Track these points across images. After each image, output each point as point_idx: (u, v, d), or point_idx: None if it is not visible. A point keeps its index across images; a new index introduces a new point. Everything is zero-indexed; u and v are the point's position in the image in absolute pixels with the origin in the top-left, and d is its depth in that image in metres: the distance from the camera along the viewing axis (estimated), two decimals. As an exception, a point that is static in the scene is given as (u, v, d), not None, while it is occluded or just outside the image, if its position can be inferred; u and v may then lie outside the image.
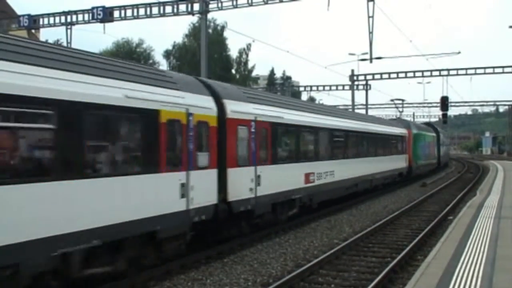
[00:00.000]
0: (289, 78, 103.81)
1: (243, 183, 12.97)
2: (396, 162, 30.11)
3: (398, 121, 38.13)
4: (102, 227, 8.43)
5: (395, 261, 11.16)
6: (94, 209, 8.37)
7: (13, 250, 6.95)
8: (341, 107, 50.18)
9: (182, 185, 10.59)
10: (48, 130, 7.71)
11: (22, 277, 7.17)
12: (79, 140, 8.24)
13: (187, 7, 27.87)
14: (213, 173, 11.76)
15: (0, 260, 6.83)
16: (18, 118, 7.43)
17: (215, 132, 11.93)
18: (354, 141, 22.80)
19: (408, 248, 12.42)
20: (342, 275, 10.65)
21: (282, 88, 69.58)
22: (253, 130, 13.47)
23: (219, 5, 27.24)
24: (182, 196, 10.59)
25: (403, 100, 54.63)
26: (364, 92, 53.11)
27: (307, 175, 16.77)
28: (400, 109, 54.47)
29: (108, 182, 8.76)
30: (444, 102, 36.94)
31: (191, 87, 11.71)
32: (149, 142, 9.80)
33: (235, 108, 12.90)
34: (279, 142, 15.34)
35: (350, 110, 47.95)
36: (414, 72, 47.15)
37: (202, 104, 11.55)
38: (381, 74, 48.98)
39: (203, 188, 11.27)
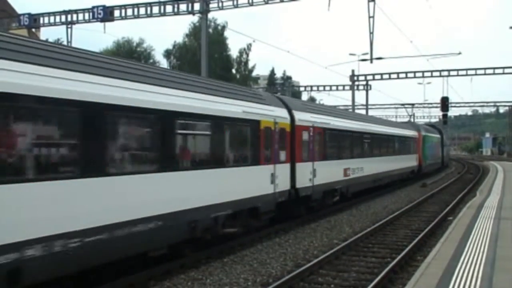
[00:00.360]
0: (289, 78, 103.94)
1: (305, 175, 16.74)
2: (409, 161, 34.18)
3: (410, 124, 42.21)
4: (233, 201, 12.31)
5: (395, 261, 11.16)
6: (230, 187, 12.34)
7: (197, 213, 10.89)
8: (341, 107, 50.20)
9: (272, 174, 14.48)
10: (207, 135, 11.62)
11: (198, 229, 11.02)
12: (224, 142, 12.45)
13: (187, 7, 27.88)
14: (288, 166, 15.63)
15: (193, 217, 10.77)
16: (203, 129, 11.44)
17: (289, 135, 15.76)
18: (378, 142, 26.56)
19: (408, 249, 12.42)
20: (342, 275, 10.65)
21: (282, 88, 69.54)
22: (311, 134, 17.35)
23: (220, 4, 27.24)
24: (271, 182, 14.48)
25: (413, 105, 56.70)
26: (364, 92, 53.14)
27: (345, 170, 20.66)
28: (410, 113, 57.07)
29: (236, 171, 12.88)
30: (445, 103, 36.96)
31: (275, 103, 15.85)
32: (254, 143, 13.72)
33: (300, 117, 16.81)
34: (327, 143, 19.08)
35: (350, 110, 48.00)
36: (414, 72, 47.22)
37: (282, 115, 15.53)
38: (381, 74, 49.05)
39: (282, 177, 15.11)
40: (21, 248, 6.90)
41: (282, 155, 15.13)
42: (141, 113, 9.43)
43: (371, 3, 26.60)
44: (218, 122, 11.84)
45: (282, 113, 15.67)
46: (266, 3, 26.75)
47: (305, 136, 16.93)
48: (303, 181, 16.43)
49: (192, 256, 11.51)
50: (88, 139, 8.18)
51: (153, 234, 9.49)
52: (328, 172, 18.59)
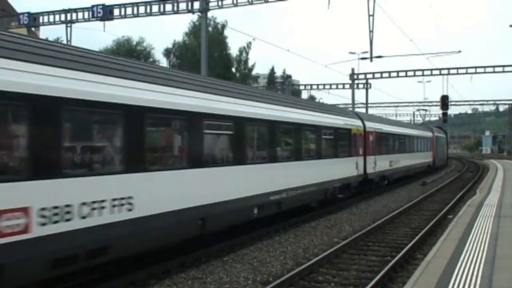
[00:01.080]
0: (289, 76, 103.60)
1: (371, 164, 24.43)
2: (427, 157, 42.21)
3: (425, 126, 50.15)
4: (340, 178, 20.03)
5: (395, 259, 11.17)
6: (340, 170, 20.04)
7: (327, 184, 18.59)
8: (341, 106, 50.20)
9: (356, 163, 22.14)
10: (331, 139, 19.55)
11: (328, 193, 18.96)
12: (338, 143, 20.10)
13: (187, 6, 27.82)
14: (362, 158, 23.23)
15: (325, 186, 18.37)
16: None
17: (363, 138, 23.52)
18: (408, 142, 34.64)
19: (408, 247, 12.43)
20: (342, 274, 10.65)
21: (282, 87, 69.48)
22: (373, 136, 25.23)
23: (220, 3, 27.21)
24: (356, 168, 22.10)
25: (426, 111, 62.63)
26: (364, 91, 53.13)
27: (390, 162, 28.34)
28: (423, 116, 64.10)
29: (342, 160, 20.30)
30: (444, 101, 37.07)
31: (354, 116, 24.47)
32: (349, 143, 21.45)
33: (369, 125, 24.95)
34: (381, 143, 26.86)
35: (350, 109, 48.04)
36: (414, 71, 47.20)
37: (359, 124, 23.60)
38: (381, 73, 48.99)
39: (360, 165, 22.81)
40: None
41: (360, 151, 22.84)
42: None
43: (371, 2, 26.68)
44: (336, 131, 19.87)
45: (359, 123, 23.83)
46: (266, 1, 26.72)
47: (371, 138, 24.36)
48: (370, 168, 24.08)
49: (192, 254, 11.52)
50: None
51: (311, 194, 17.19)
52: (382, 163, 26.18)
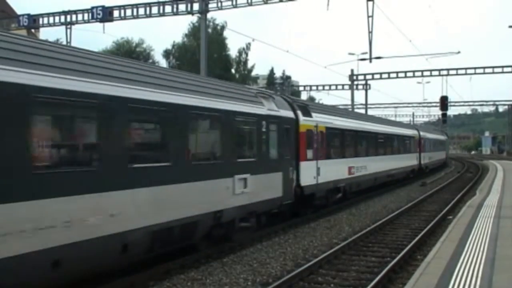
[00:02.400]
0: (288, 77, 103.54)
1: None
2: (442, 156, 52.68)
3: (440, 131, 60.00)
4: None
5: (394, 260, 11.16)
6: (401, 163, 30.90)
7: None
8: (340, 106, 50.23)
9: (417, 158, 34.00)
10: (383, 142, 28.39)
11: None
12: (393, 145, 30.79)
13: (186, 7, 27.85)
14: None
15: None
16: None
17: (418, 142, 35.06)
18: (433, 143, 45.77)
19: (407, 248, 12.42)
20: (341, 275, 10.65)
21: (281, 88, 69.47)
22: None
23: (219, 4, 27.23)
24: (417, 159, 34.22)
25: (445, 116, 73.37)
26: (363, 91, 53.17)
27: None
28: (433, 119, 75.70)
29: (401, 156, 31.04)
30: (444, 102, 37.11)
31: (411, 127, 37.14)
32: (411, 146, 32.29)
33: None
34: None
35: (350, 109, 48.04)
36: (413, 72, 47.21)
37: (416, 134, 35.22)
38: (380, 74, 49.04)
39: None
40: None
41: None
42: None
43: (370, 3, 26.64)
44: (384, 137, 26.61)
45: (415, 132, 35.64)
46: (265, 3, 26.71)
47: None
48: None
49: (192, 256, 11.50)
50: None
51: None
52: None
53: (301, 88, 62.98)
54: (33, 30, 40.60)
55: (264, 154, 13.99)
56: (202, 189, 11.04)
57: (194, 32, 58.45)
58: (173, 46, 63.36)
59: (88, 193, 8.13)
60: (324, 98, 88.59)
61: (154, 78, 10.28)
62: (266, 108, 14.33)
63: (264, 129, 13.98)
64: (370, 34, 27.76)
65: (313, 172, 17.51)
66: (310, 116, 17.94)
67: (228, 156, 12.21)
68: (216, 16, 60.42)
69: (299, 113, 16.91)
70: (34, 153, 7.53)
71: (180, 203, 10.37)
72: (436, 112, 78.89)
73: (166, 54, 63.00)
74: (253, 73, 72.06)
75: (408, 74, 47.19)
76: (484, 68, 45.21)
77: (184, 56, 60.49)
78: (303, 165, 16.72)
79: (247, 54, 65.23)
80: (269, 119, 14.30)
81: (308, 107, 18.55)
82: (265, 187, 13.80)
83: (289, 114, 16.11)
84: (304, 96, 69.81)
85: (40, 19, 32.21)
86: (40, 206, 7.30)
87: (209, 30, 54.04)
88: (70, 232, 7.69)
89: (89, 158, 8.64)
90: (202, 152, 11.94)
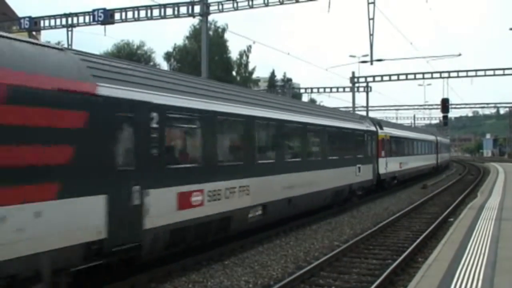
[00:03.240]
0: (289, 80, 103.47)
1: (444, 158, 49.49)
2: (447, 157, 60.57)
3: (444, 134, 69.37)
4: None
5: (396, 263, 11.15)
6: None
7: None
8: (342, 109, 50.23)
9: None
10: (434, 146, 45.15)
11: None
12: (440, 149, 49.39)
13: (187, 9, 27.85)
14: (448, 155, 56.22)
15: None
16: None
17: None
18: (444, 146, 52.07)
19: (409, 250, 12.41)
20: (343, 277, 10.64)
21: (283, 90, 69.50)
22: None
23: (220, 7, 27.25)
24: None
25: (446, 119, 78.85)
26: (365, 94, 53.10)
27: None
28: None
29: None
30: (445, 104, 37.01)
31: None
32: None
33: (440, 139, 48.36)
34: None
35: (351, 111, 48.11)
36: (414, 74, 47.15)
37: (446, 140, 53.68)
38: (381, 76, 48.94)
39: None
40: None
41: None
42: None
43: (371, 5, 26.64)
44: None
45: (434, 138, 45.24)
46: (266, 5, 26.73)
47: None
48: (441, 161, 43.55)
49: (193, 258, 11.50)
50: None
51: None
52: (442, 157, 41.91)
53: (302, 91, 62.94)
54: (34, 33, 40.65)
55: (365, 153, 23.07)
56: (345, 171, 20.19)
57: (195, 35, 58.52)
58: (174, 48, 63.42)
59: (297, 172, 15.76)
60: (325, 100, 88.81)
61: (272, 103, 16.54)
62: (365, 126, 23.80)
63: (365, 138, 23.30)
64: (371, 36, 27.78)
65: (384, 165, 26.43)
66: (382, 129, 27.37)
67: (353, 153, 21.32)
68: (217, 18, 60.47)
69: (378, 127, 26.33)
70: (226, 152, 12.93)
71: (339, 178, 19.42)
72: (437, 114, 79.05)
73: (167, 56, 63.07)
74: (254, 76, 72.05)
75: (409, 76, 47.14)
76: (485, 70, 45.17)
77: (185, 59, 60.54)
78: (380, 160, 25.77)
79: (248, 57, 65.34)
80: (367, 132, 23.66)
81: (381, 123, 28.67)
82: (366, 173, 22.92)
83: (373, 128, 25.22)
84: (305, 98, 69.85)
85: (42, 22, 32.24)
86: (285, 178, 15.11)
87: (210, 32, 54.06)
88: (297, 190, 15.50)
89: (297, 154, 16.36)
90: (345, 152, 20.44)
